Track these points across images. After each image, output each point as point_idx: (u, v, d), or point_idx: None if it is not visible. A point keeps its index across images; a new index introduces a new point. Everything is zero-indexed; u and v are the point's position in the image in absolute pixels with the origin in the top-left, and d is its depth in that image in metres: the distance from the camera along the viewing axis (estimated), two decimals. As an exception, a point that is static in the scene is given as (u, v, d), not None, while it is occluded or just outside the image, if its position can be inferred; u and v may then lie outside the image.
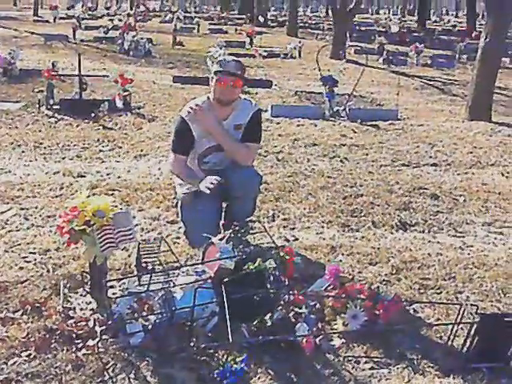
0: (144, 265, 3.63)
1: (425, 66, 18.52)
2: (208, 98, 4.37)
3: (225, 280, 3.14)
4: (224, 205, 4.54)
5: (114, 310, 3.26)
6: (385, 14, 70.70)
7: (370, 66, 13.17)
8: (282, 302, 3.37)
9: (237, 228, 3.53)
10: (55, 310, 3.48)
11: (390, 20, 44.37)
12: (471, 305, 3.22)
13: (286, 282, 3.47)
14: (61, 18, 29.07)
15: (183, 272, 3.39)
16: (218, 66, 4.29)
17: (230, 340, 2.76)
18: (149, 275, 3.28)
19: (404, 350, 3.30)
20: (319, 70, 10.52)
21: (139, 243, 3.69)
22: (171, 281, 3.22)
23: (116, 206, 3.46)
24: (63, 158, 6.73)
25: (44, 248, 4.35)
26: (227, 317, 2.78)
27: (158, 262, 3.69)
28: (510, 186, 6.43)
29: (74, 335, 3.23)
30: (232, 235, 3.45)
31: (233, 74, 4.22)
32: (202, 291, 3.14)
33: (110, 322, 3.12)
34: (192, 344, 3.14)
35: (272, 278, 3.36)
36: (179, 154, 4.39)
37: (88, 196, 3.42)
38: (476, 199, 5.92)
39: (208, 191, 4.08)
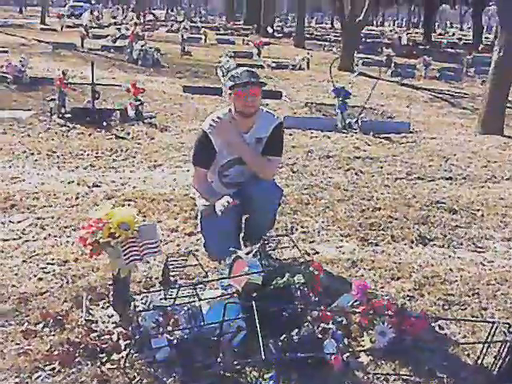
0: (171, 278, 3.58)
1: (432, 79, 18.48)
2: (230, 110, 4.32)
3: (254, 295, 3.09)
4: (244, 217, 4.49)
5: (139, 323, 3.21)
6: (389, 25, 70.98)
7: (379, 78, 13.13)
8: (309, 318, 3.31)
9: (265, 242, 3.47)
10: (77, 322, 3.43)
11: (396, 32, 44.35)
12: (503, 323, 3.15)
13: (314, 298, 3.42)
14: (67, 27, 29.14)
15: (209, 286, 3.34)
16: (231, 82, 4.22)
17: (263, 357, 2.70)
18: (174, 289, 3.23)
19: (433, 367, 3.25)
20: (332, 81, 10.48)
21: (167, 257, 3.64)
22: (197, 295, 3.16)
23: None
24: (77, 167, 6.69)
25: (62, 259, 4.31)
26: (259, 333, 2.72)
27: (184, 276, 3.64)
28: (527, 200, 6.38)
29: (97, 349, 3.18)
30: (260, 249, 3.40)
31: (247, 83, 4.16)
32: (230, 306, 3.08)
33: (137, 337, 3.06)
34: (219, 360, 3.08)
35: (299, 293, 3.31)
36: (200, 167, 4.33)
37: (112, 207, 3.38)
38: (494, 214, 5.87)
39: (220, 213, 4.08)
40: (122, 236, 3.26)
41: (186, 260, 3.68)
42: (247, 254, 3.40)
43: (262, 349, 2.70)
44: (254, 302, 2.89)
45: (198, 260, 3.71)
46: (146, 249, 3.32)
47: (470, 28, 58.28)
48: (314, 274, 3.36)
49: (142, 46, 16.86)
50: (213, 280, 3.43)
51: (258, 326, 2.76)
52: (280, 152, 4.45)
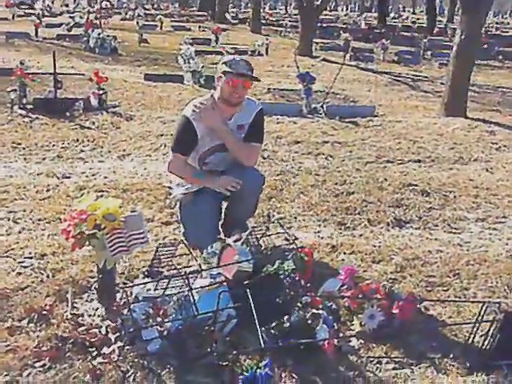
0: (157, 269, 3.53)
1: (391, 63, 18.61)
2: (212, 96, 4.25)
3: (246, 283, 3.06)
4: (224, 204, 4.44)
5: (127, 316, 3.16)
6: (342, 10, 71.25)
7: (337, 62, 13.12)
8: (299, 304, 3.30)
9: (254, 229, 3.44)
10: (63, 317, 3.37)
11: (351, 17, 44.54)
12: (494, 302, 3.19)
13: (304, 284, 3.40)
14: (19, 16, 28.49)
15: (197, 276, 3.30)
16: (227, 67, 4.12)
17: (262, 344, 2.68)
18: (166, 279, 3.18)
19: (423, 349, 3.28)
20: (298, 67, 10.46)
21: (157, 247, 3.58)
22: (189, 285, 3.12)
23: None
24: (44, 159, 6.55)
25: (40, 252, 4.21)
26: (256, 321, 2.70)
27: (173, 266, 3.59)
28: (496, 181, 6.47)
29: (87, 343, 3.12)
30: (249, 237, 3.37)
31: (243, 74, 4.09)
32: (222, 295, 3.05)
33: (131, 329, 3.00)
34: (213, 349, 3.05)
35: (289, 279, 3.29)
36: (181, 154, 4.22)
37: (96, 198, 3.32)
38: (466, 195, 5.94)
39: (228, 193, 4.06)
40: (108, 227, 3.20)
41: (176, 249, 3.62)
42: (235, 241, 3.37)
43: (260, 336, 2.68)
44: (248, 290, 2.86)
45: (188, 250, 3.66)
46: (133, 239, 3.26)
47: (422, 11, 58.77)
48: (305, 260, 3.35)
49: (99, 35, 16.58)
50: (204, 269, 3.38)
51: (254, 313, 2.73)
52: (261, 138, 4.41)
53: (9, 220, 4.81)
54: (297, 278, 3.35)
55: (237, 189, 4.01)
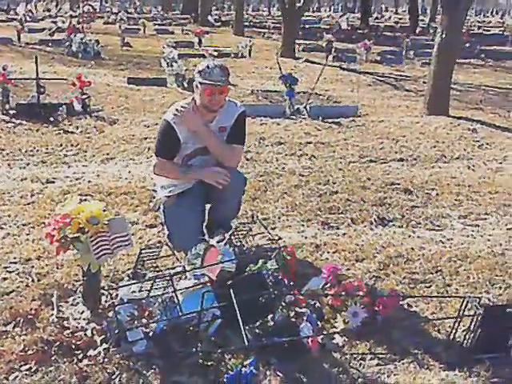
0: (144, 270, 3.55)
1: (374, 63, 18.69)
2: (193, 99, 4.27)
3: (229, 283, 3.09)
4: (207, 206, 4.47)
5: (112, 318, 3.18)
6: (325, 11, 71.40)
7: (325, 64, 13.15)
8: (283, 303, 3.33)
9: (236, 229, 3.47)
10: (48, 320, 3.38)
11: (333, 18, 44.67)
12: (474, 297, 3.24)
13: (287, 282, 3.44)
14: (1, 21, 28.42)
15: (181, 277, 3.33)
16: (200, 77, 4.10)
17: (246, 343, 2.71)
18: (150, 281, 3.21)
19: (406, 345, 3.32)
20: (280, 69, 10.51)
21: (141, 250, 3.61)
22: (173, 286, 3.15)
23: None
24: (28, 164, 6.55)
25: (24, 257, 4.23)
26: (240, 320, 2.73)
27: (157, 268, 3.62)
28: (477, 178, 6.54)
29: (73, 346, 3.14)
30: (232, 237, 3.40)
31: (218, 82, 4.07)
32: (206, 295, 3.08)
33: (116, 331, 3.03)
34: (198, 349, 3.08)
35: (272, 279, 3.32)
36: (164, 158, 4.25)
37: (79, 202, 3.33)
38: (448, 193, 6.00)
39: (220, 186, 4.05)
40: (92, 230, 3.22)
41: (160, 251, 3.65)
42: (218, 242, 3.40)
43: (244, 335, 2.72)
44: (232, 290, 2.89)
45: (172, 251, 3.68)
46: (117, 242, 3.28)
47: (404, 11, 59.08)
48: (287, 259, 3.38)
49: (81, 39, 16.56)
50: (188, 270, 3.41)
51: (238, 313, 2.77)
52: (243, 140, 4.42)
53: (-7, 225, 4.82)
54: (280, 277, 3.39)
55: (226, 183, 4.02)
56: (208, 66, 4.11)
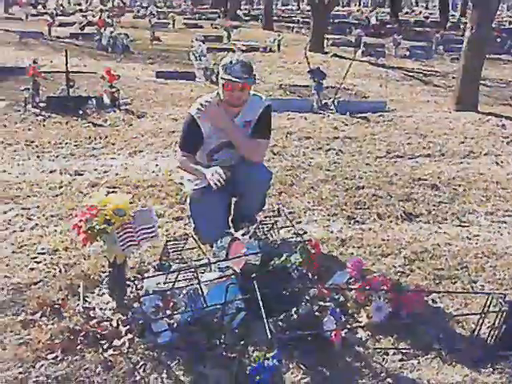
0: (166, 263, 3.58)
1: (403, 58, 18.55)
2: (218, 93, 4.28)
3: (253, 276, 3.11)
4: (233, 200, 4.49)
5: (137, 309, 3.22)
6: (355, 6, 70.97)
7: (348, 58, 13.09)
8: (306, 297, 3.34)
9: (261, 223, 3.48)
10: (75, 310, 3.43)
11: (363, 13, 44.36)
12: (499, 294, 3.22)
13: (311, 276, 3.45)
14: (32, 15, 28.67)
15: (206, 269, 3.36)
16: (222, 71, 4.12)
17: (269, 336, 2.73)
18: (175, 272, 3.23)
19: (429, 340, 3.31)
20: (308, 63, 10.49)
21: (166, 241, 3.64)
22: (198, 278, 3.17)
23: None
24: (57, 156, 6.63)
25: (52, 248, 4.29)
26: (263, 313, 2.74)
27: (182, 260, 3.65)
28: (506, 175, 6.49)
29: (98, 336, 3.18)
30: (257, 230, 3.41)
31: (238, 78, 4.05)
32: (231, 287, 3.10)
33: (141, 322, 3.06)
34: (221, 341, 3.10)
35: (297, 272, 3.33)
36: (187, 152, 4.28)
37: (106, 194, 3.37)
38: (475, 189, 5.95)
39: (215, 187, 3.97)
40: (118, 222, 3.26)
41: (185, 243, 3.68)
42: (243, 235, 3.42)
43: (267, 328, 2.73)
44: (256, 283, 2.91)
45: (198, 244, 3.71)
46: (143, 234, 3.31)
47: (435, 6, 58.52)
48: (311, 253, 3.39)
49: (111, 33, 16.67)
50: (213, 263, 3.43)
51: (261, 306, 2.78)
52: (269, 135, 4.41)
53: (22, 216, 4.88)
54: (304, 271, 3.39)
55: (219, 184, 3.92)
56: (231, 62, 4.10)
